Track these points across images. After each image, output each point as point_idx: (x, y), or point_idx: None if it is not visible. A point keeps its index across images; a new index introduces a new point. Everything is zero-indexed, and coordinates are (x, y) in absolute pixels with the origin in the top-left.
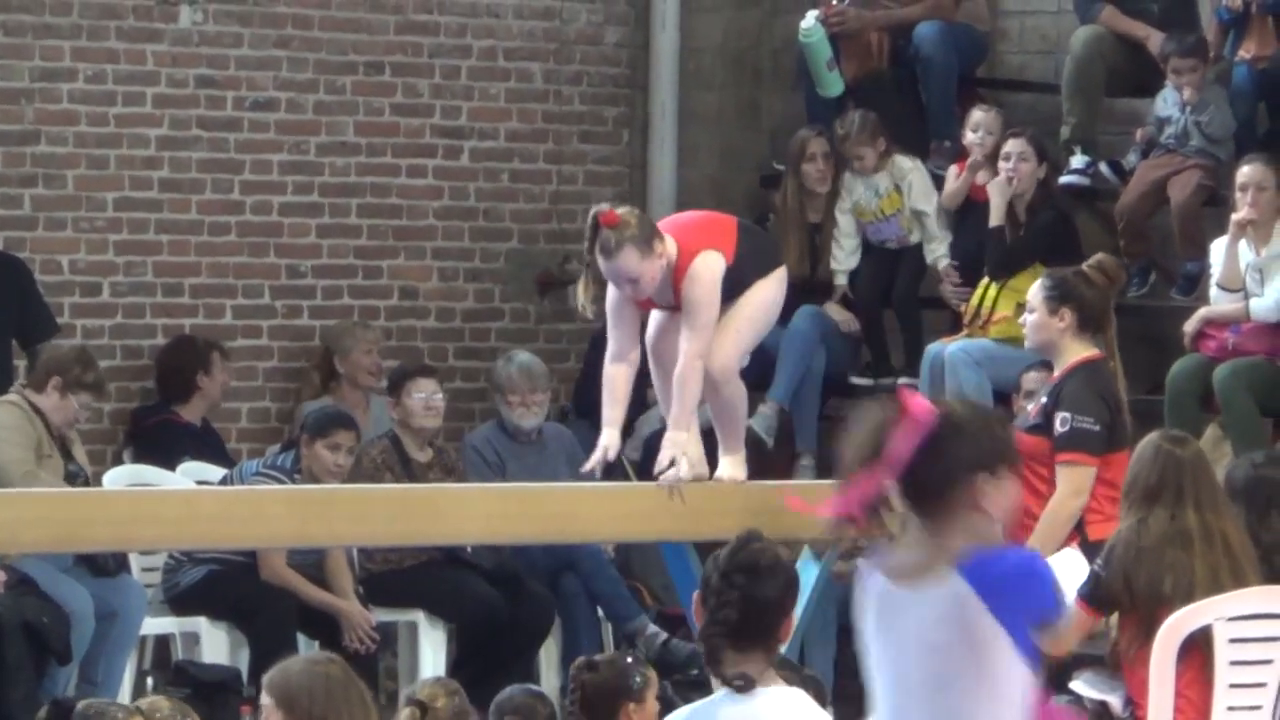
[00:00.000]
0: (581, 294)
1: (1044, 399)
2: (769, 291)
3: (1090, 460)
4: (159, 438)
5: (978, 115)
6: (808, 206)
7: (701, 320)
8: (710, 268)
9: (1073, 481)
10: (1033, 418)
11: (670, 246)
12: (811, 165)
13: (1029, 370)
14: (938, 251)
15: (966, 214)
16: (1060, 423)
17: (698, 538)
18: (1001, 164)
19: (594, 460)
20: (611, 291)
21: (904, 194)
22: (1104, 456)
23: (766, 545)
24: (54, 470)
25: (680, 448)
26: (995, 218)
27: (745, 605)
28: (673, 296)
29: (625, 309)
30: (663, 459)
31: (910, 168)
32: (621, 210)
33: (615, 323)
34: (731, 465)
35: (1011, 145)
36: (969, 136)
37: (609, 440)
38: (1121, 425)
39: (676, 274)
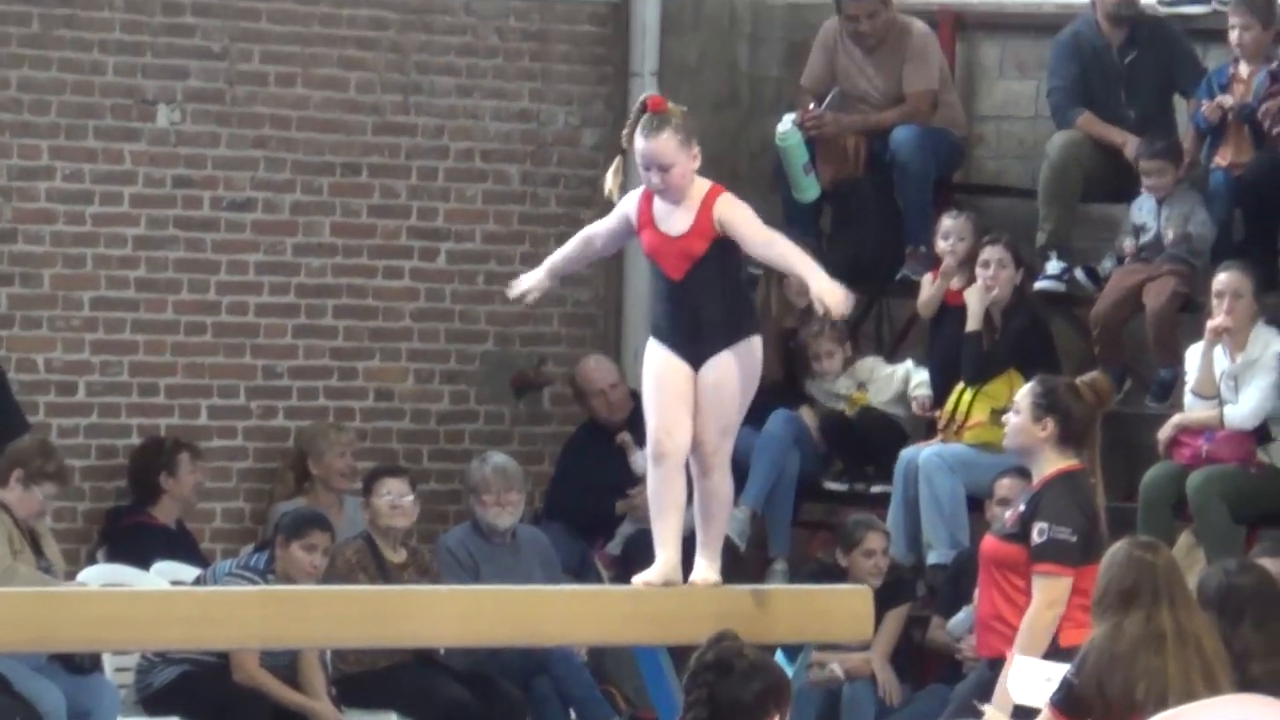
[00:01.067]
0: (610, 180)
1: (1021, 507)
2: (752, 361)
3: (1066, 571)
4: (133, 538)
5: (948, 223)
6: (785, 314)
7: (757, 229)
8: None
9: (1049, 592)
10: (1009, 526)
11: (697, 163)
12: (792, 284)
13: (1002, 477)
14: (916, 380)
15: (941, 319)
16: (1037, 533)
17: (670, 642)
18: (980, 271)
19: (521, 285)
20: (627, 208)
21: (869, 394)
22: (1079, 568)
23: (742, 646)
24: (26, 565)
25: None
26: (972, 323)
27: (714, 705)
28: (688, 225)
29: (621, 228)
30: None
31: (871, 367)
32: (670, 103)
33: (604, 226)
34: (707, 568)
35: (989, 252)
36: (940, 244)
37: (538, 276)
38: (1098, 538)
39: (704, 205)
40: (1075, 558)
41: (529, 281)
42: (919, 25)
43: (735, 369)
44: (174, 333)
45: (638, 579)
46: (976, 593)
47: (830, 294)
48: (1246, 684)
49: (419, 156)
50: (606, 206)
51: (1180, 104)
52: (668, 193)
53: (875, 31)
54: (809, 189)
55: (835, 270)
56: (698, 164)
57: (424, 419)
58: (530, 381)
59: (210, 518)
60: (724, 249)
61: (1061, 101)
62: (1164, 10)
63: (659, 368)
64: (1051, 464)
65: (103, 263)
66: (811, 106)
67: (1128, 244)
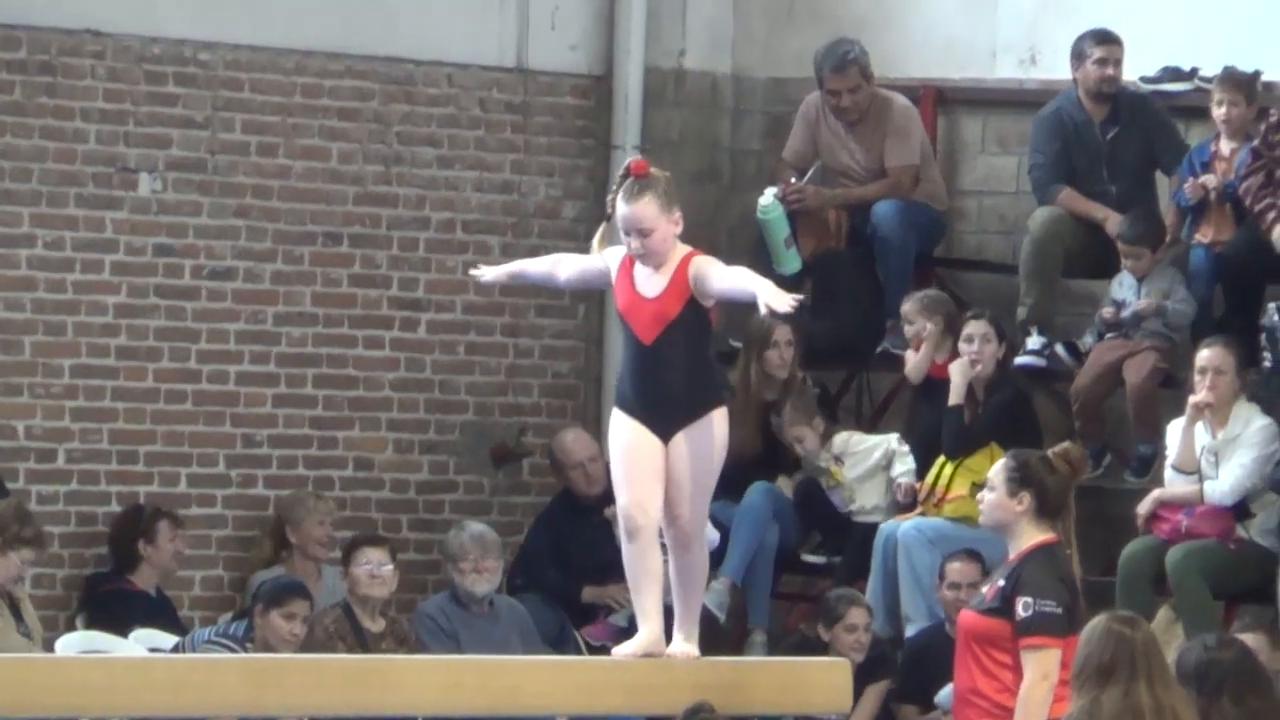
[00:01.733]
0: (596, 246)
1: (1000, 582)
2: (720, 432)
3: (1055, 643)
4: (112, 605)
5: (907, 306)
6: (765, 387)
7: (721, 268)
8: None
9: (1041, 665)
10: (989, 600)
11: (679, 229)
12: (774, 352)
13: (953, 560)
14: (901, 467)
15: (923, 392)
16: (1023, 607)
17: (650, 713)
18: (964, 346)
19: (485, 272)
20: (609, 260)
21: (845, 467)
22: (1066, 639)
23: (717, 716)
24: (4, 633)
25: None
26: (954, 397)
27: None
28: (663, 287)
29: (592, 272)
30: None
31: (847, 440)
32: (654, 168)
33: (580, 262)
34: (685, 640)
35: (974, 327)
36: (906, 329)
37: (498, 272)
38: (1079, 610)
39: (679, 268)
40: (1063, 629)
41: (493, 274)
42: (900, 100)
43: (706, 440)
44: (154, 401)
45: (618, 650)
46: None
47: (774, 296)
48: None
49: (400, 227)
50: None
51: (1162, 180)
52: (648, 257)
53: (857, 107)
54: (790, 262)
55: (816, 343)
56: (679, 229)
57: (403, 489)
58: (510, 452)
59: (189, 585)
60: (696, 314)
61: (1043, 177)
62: (1146, 88)
63: (627, 440)
64: (1029, 537)
65: (83, 330)
66: (793, 180)
67: (1108, 312)
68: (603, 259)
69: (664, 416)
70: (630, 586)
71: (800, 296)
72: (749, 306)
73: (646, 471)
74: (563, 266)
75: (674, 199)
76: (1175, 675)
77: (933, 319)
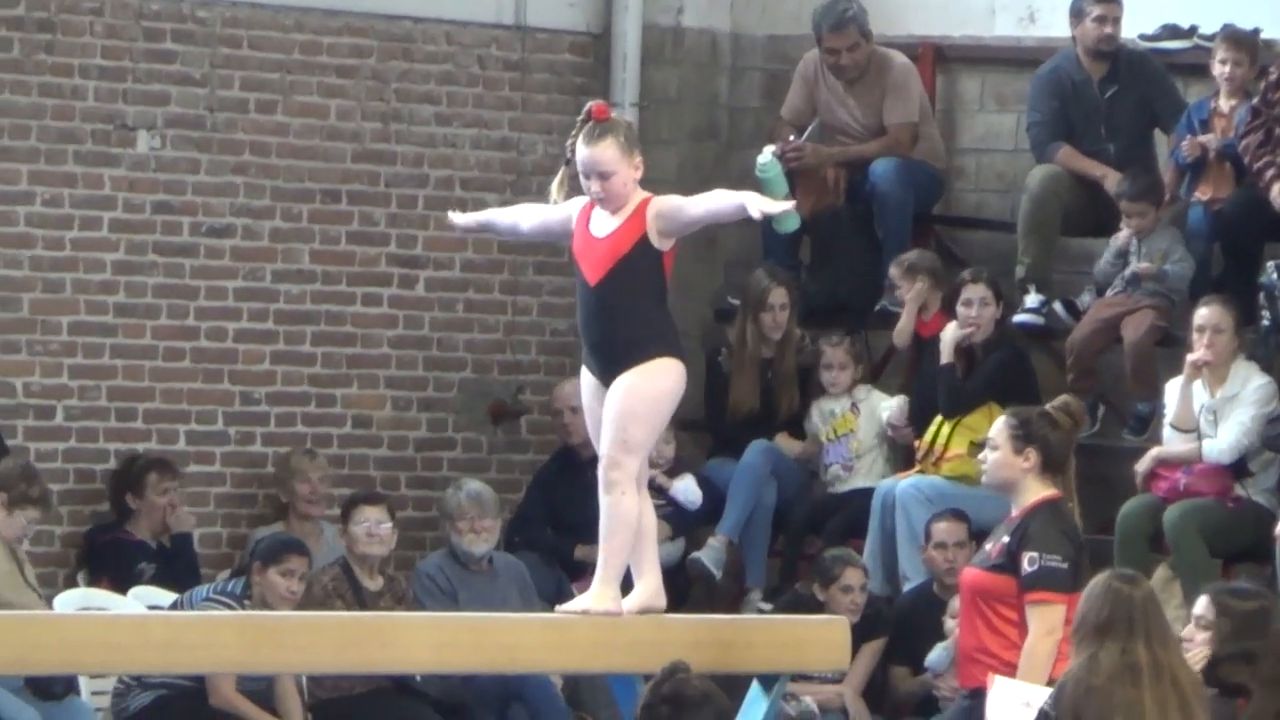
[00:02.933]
0: (555, 190)
1: (1005, 538)
2: (666, 381)
3: (1060, 598)
4: (112, 554)
5: (893, 270)
6: (761, 345)
7: (688, 199)
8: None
9: (1046, 620)
10: (994, 557)
11: (639, 174)
12: (769, 315)
13: (938, 520)
14: (885, 402)
15: (921, 351)
16: (1028, 562)
17: (645, 670)
18: (962, 309)
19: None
20: (570, 209)
21: (859, 417)
22: (1071, 595)
23: (692, 676)
24: (16, 586)
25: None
26: (945, 356)
27: None
28: (616, 226)
29: (554, 221)
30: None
31: (869, 394)
32: (615, 112)
33: (543, 212)
34: (597, 591)
35: (972, 290)
36: (895, 292)
37: (467, 218)
38: (1083, 564)
39: (636, 209)
40: (1068, 585)
41: (463, 220)
42: (899, 58)
43: (643, 386)
44: (152, 358)
45: (574, 603)
46: (955, 624)
47: (764, 203)
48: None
49: (399, 184)
50: None
51: (1160, 138)
52: (607, 201)
53: (855, 65)
54: (789, 220)
55: (814, 301)
56: (639, 174)
57: (401, 446)
58: (507, 410)
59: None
60: (646, 255)
61: (1041, 135)
62: (1144, 46)
63: (588, 399)
64: (1034, 493)
65: (82, 287)
66: (791, 138)
67: (1106, 268)
68: (565, 209)
69: (609, 362)
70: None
71: (793, 202)
72: (748, 265)
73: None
74: (526, 216)
75: (635, 144)
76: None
77: (916, 281)
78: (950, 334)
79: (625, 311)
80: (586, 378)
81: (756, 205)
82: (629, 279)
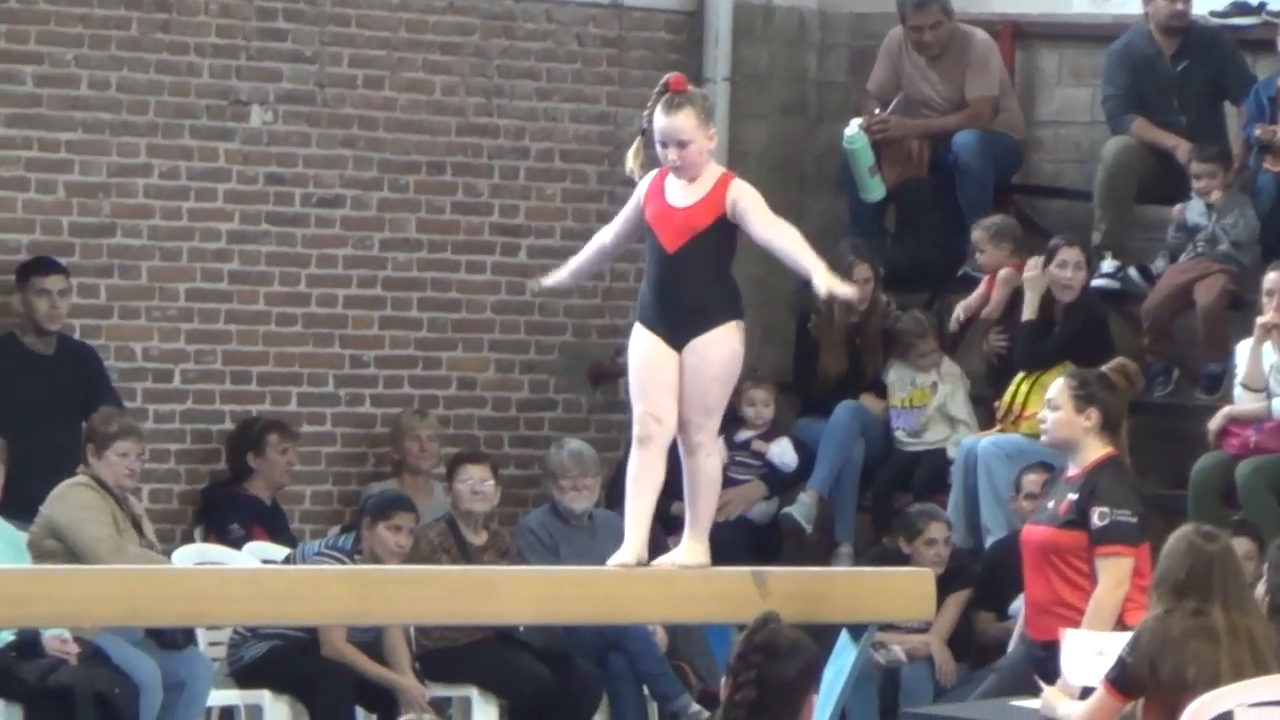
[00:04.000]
0: (632, 159)
1: (1071, 495)
2: (734, 344)
3: (1129, 551)
4: (224, 510)
5: (976, 234)
6: (849, 311)
7: (765, 212)
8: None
9: (1115, 573)
10: (1064, 514)
11: (713, 144)
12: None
13: (1028, 472)
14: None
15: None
16: (1099, 517)
17: (740, 620)
18: (1056, 271)
19: (545, 280)
20: (638, 191)
21: (936, 394)
22: (1139, 548)
23: (784, 626)
24: (123, 546)
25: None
26: (1028, 312)
27: (764, 685)
28: (698, 198)
29: (630, 214)
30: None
31: (957, 375)
32: (691, 86)
33: (616, 223)
34: (693, 544)
35: (1067, 254)
36: (978, 256)
37: (560, 275)
38: (1149, 517)
39: (718, 183)
40: (1136, 538)
41: (554, 278)
42: (980, 34)
43: (717, 351)
44: (265, 323)
45: (611, 561)
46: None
47: (839, 287)
48: None
49: (501, 156)
50: None
51: (1230, 110)
52: (684, 169)
53: (938, 41)
54: (874, 190)
55: (898, 267)
56: (714, 145)
57: (505, 407)
58: (606, 371)
59: (300, 500)
60: (724, 231)
61: (1116, 108)
62: (1215, 22)
63: (644, 352)
64: (1094, 451)
65: (198, 256)
66: (877, 112)
67: (1176, 232)
68: (633, 197)
69: (680, 326)
70: (628, 494)
71: (855, 292)
72: (834, 234)
73: (661, 383)
74: (605, 236)
75: (711, 115)
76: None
77: (1000, 246)
78: (1033, 290)
79: (699, 279)
80: (644, 335)
81: (825, 281)
82: (705, 250)
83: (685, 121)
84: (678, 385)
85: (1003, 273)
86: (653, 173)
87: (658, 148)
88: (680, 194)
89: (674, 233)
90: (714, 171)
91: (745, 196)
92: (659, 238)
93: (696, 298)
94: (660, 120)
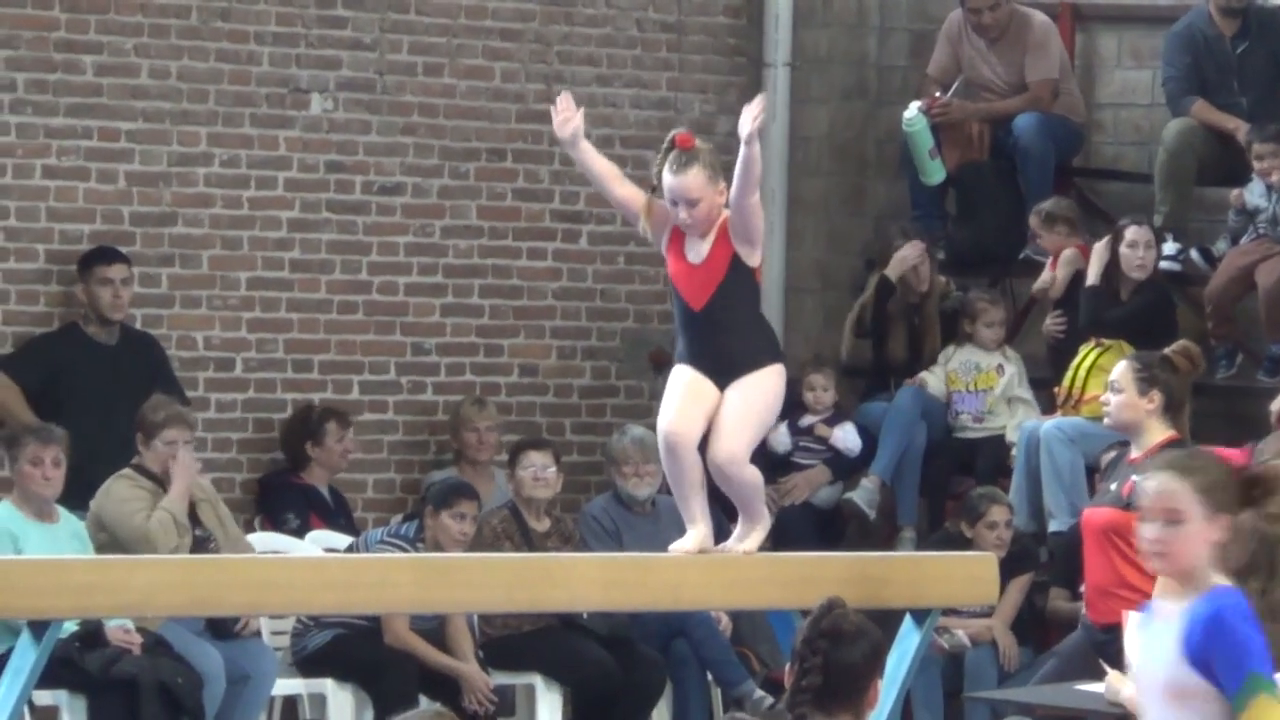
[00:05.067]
0: (644, 219)
1: (1136, 477)
2: (776, 384)
3: None
4: (282, 499)
5: (1032, 221)
6: (908, 292)
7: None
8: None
9: None
10: (1127, 495)
11: (724, 199)
12: (911, 273)
13: (1109, 451)
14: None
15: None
16: None
17: (803, 606)
18: (1127, 251)
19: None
20: (667, 212)
21: (1002, 377)
22: None
23: (849, 611)
24: (181, 534)
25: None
26: (1092, 278)
27: (829, 670)
28: (708, 252)
29: (631, 207)
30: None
31: (1018, 358)
32: (698, 140)
33: (629, 196)
34: (744, 536)
35: (1135, 233)
36: (1038, 240)
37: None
38: None
39: (720, 230)
40: None
41: (573, 124)
42: (1039, 17)
43: (760, 389)
44: (327, 311)
45: (673, 548)
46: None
47: (746, 121)
48: None
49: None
50: None
51: None
52: (694, 227)
53: (997, 23)
54: (935, 172)
55: (960, 248)
56: (724, 200)
57: (566, 394)
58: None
59: (362, 488)
60: (741, 275)
61: (1176, 90)
62: (1274, 3)
63: (684, 380)
64: (1157, 434)
65: (259, 244)
66: (938, 95)
67: (1242, 197)
68: (665, 211)
69: (720, 372)
70: (675, 497)
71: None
72: (896, 218)
73: (694, 402)
74: (617, 183)
75: (719, 170)
76: None
77: (1054, 229)
78: (1098, 256)
79: (732, 328)
80: (686, 370)
81: (745, 127)
82: (730, 298)
83: (694, 180)
84: (711, 408)
85: (1066, 253)
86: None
87: (668, 206)
88: (695, 249)
89: (697, 290)
90: (720, 218)
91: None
92: (684, 297)
93: (731, 346)
94: (669, 179)
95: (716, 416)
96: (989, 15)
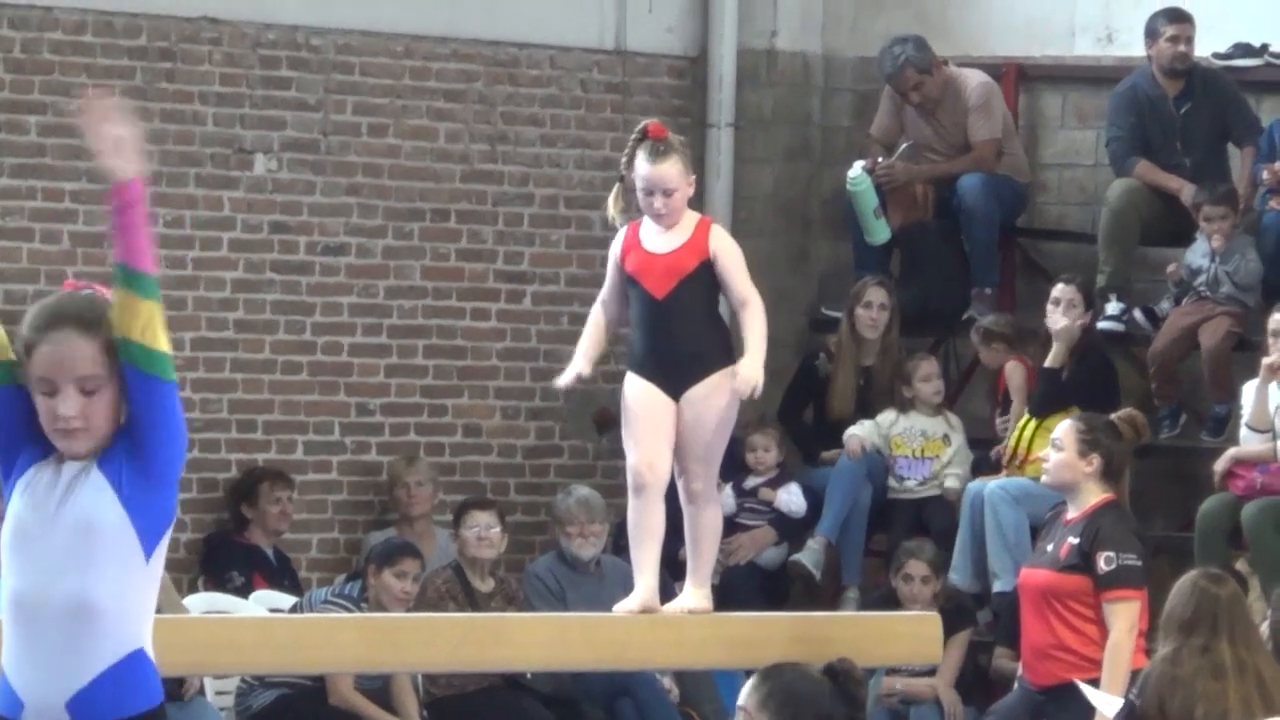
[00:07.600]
0: (613, 206)
1: (1072, 539)
2: (729, 394)
3: (1138, 594)
4: (225, 558)
5: (974, 338)
6: (861, 350)
7: (744, 279)
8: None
9: (1127, 617)
10: (1065, 558)
11: (692, 191)
12: (866, 311)
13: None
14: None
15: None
16: (1105, 561)
17: (748, 665)
18: (1050, 308)
19: (566, 377)
20: (614, 250)
21: (949, 447)
22: (1142, 589)
23: (857, 670)
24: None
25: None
26: (1053, 360)
27: None
28: (680, 243)
29: (618, 280)
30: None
31: (959, 425)
32: (670, 131)
33: (611, 277)
34: (695, 590)
35: (1060, 291)
36: (983, 355)
37: (579, 367)
38: (1149, 562)
39: (698, 228)
40: (1142, 580)
41: (572, 373)
42: (978, 78)
43: (714, 401)
44: (271, 371)
45: (618, 607)
46: None
47: (747, 380)
48: None
49: (505, 203)
50: None
51: (1234, 152)
52: (667, 216)
53: (929, 97)
54: (879, 232)
55: (904, 310)
56: (692, 192)
57: (511, 454)
58: (612, 418)
59: (306, 548)
60: (709, 274)
61: (1120, 150)
62: (1218, 64)
63: (638, 399)
64: (1093, 495)
65: (203, 305)
66: (881, 159)
67: (1180, 271)
68: (610, 258)
69: (676, 373)
70: (631, 543)
71: (759, 388)
72: (840, 277)
73: (656, 430)
74: (604, 308)
75: (689, 162)
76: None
77: (990, 347)
78: (1063, 337)
79: (691, 324)
80: (638, 383)
81: (744, 371)
82: (694, 292)
83: (671, 169)
84: (673, 433)
85: (1009, 367)
86: (621, 231)
87: (639, 195)
88: (660, 241)
89: (661, 279)
90: (691, 216)
91: (726, 252)
92: (646, 286)
93: (691, 342)
94: (645, 168)
95: (679, 435)
96: (914, 94)
